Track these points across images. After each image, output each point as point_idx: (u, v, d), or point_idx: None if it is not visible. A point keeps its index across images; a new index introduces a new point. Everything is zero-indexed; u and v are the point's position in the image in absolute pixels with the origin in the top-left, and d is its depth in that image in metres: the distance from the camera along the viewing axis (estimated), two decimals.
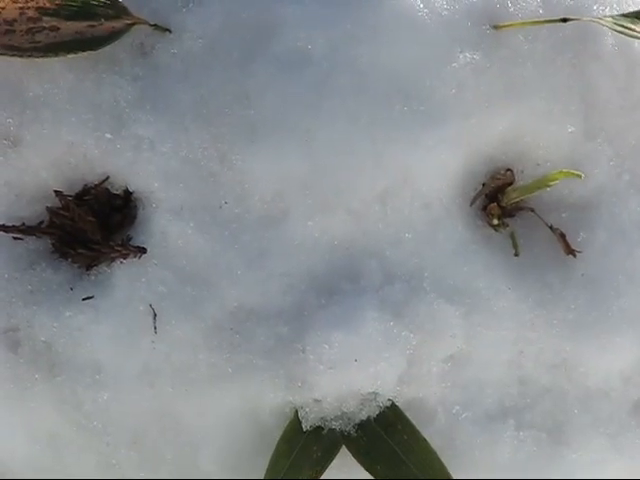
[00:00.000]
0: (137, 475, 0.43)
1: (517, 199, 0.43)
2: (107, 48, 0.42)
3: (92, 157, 0.42)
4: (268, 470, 0.43)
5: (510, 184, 0.44)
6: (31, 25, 0.41)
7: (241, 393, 0.43)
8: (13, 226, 0.42)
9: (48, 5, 0.42)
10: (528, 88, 0.43)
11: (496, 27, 0.44)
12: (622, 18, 0.41)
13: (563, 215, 0.44)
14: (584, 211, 0.45)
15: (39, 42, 0.41)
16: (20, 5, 0.41)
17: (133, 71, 0.43)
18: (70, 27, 0.41)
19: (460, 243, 0.43)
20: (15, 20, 0.41)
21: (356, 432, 0.43)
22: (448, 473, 0.43)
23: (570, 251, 0.43)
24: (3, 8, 0.41)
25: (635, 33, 0.40)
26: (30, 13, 0.41)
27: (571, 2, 0.43)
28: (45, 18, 0.41)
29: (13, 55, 0.42)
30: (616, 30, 0.42)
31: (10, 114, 0.43)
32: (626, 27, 0.40)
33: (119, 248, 0.42)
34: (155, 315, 0.41)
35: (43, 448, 0.44)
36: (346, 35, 0.41)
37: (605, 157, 0.45)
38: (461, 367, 0.42)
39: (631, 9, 0.44)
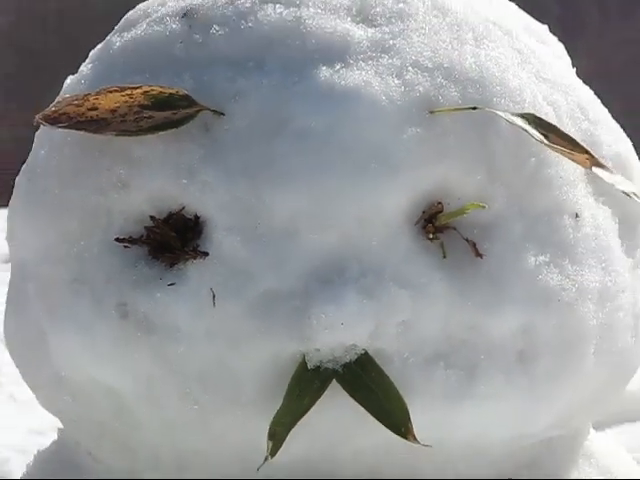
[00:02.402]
0: (203, 397, 0.61)
1: (445, 222, 0.58)
2: (184, 126, 0.57)
3: (174, 195, 0.59)
4: (286, 395, 0.54)
5: (440, 212, 0.58)
6: (136, 116, 0.56)
7: (269, 347, 0.56)
8: (124, 239, 0.59)
9: (146, 102, 0.56)
10: (452, 152, 0.58)
11: (432, 112, 0.57)
12: (514, 116, 0.57)
13: (475, 231, 0.58)
14: (488, 229, 0.59)
15: (142, 126, 0.56)
16: (129, 104, 0.56)
17: (200, 141, 0.58)
18: (161, 115, 0.56)
19: (409, 250, 0.57)
20: (126, 113, 0.56)
21: (342, 370, 0.55)
22: (402, 398, 0.55)
23: (478, 254, 0.57)
24: (119, 107, 0.56)
25: (520, 125, 0.55)
26: (135, 109, 0.56)
27: (479, 97, 0.58)
28: (145, 111, 0.57)
29: (124, 135, 0.56)
30: (509, 121, 0.56)
31: (122, 167, 0.59)
32: (514, 122, 0.56)
33: (191, 252, 0.58)
34: (214, 296, 0.56)
35: (143, 385, 0.59)
36: (337, 119, 0.57)
37: (501, 195, 0.59)
38: (409, 329, 0.57)
39: (518, 98, 0.58)
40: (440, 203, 0.57)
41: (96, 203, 0.58)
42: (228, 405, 0.57)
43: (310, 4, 0.57)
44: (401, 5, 0.58)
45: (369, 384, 0.55)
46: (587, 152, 0.56)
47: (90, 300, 0.58)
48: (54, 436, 0.74)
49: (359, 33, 0.57)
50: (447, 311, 0.56)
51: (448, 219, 0.57)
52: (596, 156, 0.56)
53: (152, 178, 0.58)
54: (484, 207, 0.55)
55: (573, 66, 0.66)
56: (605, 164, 0.56)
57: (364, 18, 0.58)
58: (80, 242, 0.59)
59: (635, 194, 0.56)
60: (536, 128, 0.55)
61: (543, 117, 0.56)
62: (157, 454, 0.60)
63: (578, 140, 0.56)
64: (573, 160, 0.55)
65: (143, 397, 0.58)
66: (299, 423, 0.54)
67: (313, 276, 0.56)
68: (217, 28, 0.57)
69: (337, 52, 0.57)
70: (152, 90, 0.57)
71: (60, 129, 0.57)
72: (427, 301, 0.56)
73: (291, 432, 0.53)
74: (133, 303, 0.57)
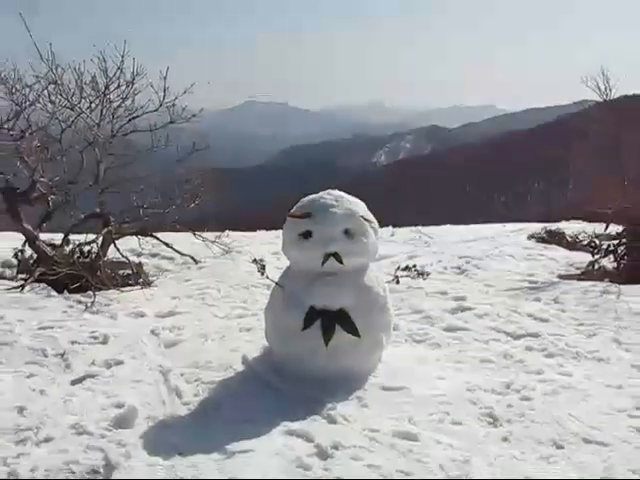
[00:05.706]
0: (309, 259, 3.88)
1: (350, 232, 3.95)
2: (309, 217, 3.91)
3: (307, 227, 3.94)
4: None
5: (349, 230, 3.88)
6: (300, 215, 3.95)
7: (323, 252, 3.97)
8: (299, 234, 3.95)
9: (302, 213, 3.93)
10: (351, 221, 3.94)
11: (346, 216, 3.99)
12: (359, 216, 3.90)
13: (356, 232, 3.92)
14: (355, 232, 3.88)
15: (301, 217, 3.95)
16: (299, 213, 3.94)
17: (312, 219, 3.94)
18: (305, 216, 3.95)
19: (343, 238, 3.87)
20: (298, 215, 3.95)
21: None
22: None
23: (353, 237, 3.98)
24: (299, 214, 3.95)
25: (357, 218, 3.87)
26: (300, 212, 3.95)
27: (354, 212, 3.95)
28: (301, 213, 3.93)
29: (299, 218, 3.89)
30: (358, 217, 3.91)
31: (298, 223, 3.95)
32: (361, 216, 3.88)
33: (309, 236, 3.96)
34: (317, 242, 3.95)
35: (300, 259, 3.98)
36: (331, 215, 3.95)
37: (357, 227, 3.92)
38: (342, 250, 3.87)
39: (362, 219, 3.91)
40: (348, 229, 4.07)
41: (293, 227, 4.08)
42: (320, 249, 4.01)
43: (334, 202, 4.02)
44: (331, 202, 4.04)
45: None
46: (367, 219, 4.03)
47: (294, 245, 4.10)
48: None
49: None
50: (351, 246, 4.07)
51: (350, 232, 4.07)
52: (369, 219, 4.03)
53: (303, 224, 4.05)
54: (353, 228, 4.02)
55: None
56: (371, 220, 4.03)
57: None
58: (291, 237, 4.03)
59: (374, 228, 4.03)
60: (361, 219, 4.04)
61: (364, 216, 4.04)
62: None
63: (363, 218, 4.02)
64: (366, 222, 4.01)
65: (296, 257, 4.07)
66: None
67: (327, 240, 4.03)
68: (316, 218, 4.01)
69: (332, 221, 4.04)
70: (302, 211, 4.06)
71: (290, 218, 4.03)
72: (346, 245, 4.07)
73: None
74: (299, 243, 4.08)
